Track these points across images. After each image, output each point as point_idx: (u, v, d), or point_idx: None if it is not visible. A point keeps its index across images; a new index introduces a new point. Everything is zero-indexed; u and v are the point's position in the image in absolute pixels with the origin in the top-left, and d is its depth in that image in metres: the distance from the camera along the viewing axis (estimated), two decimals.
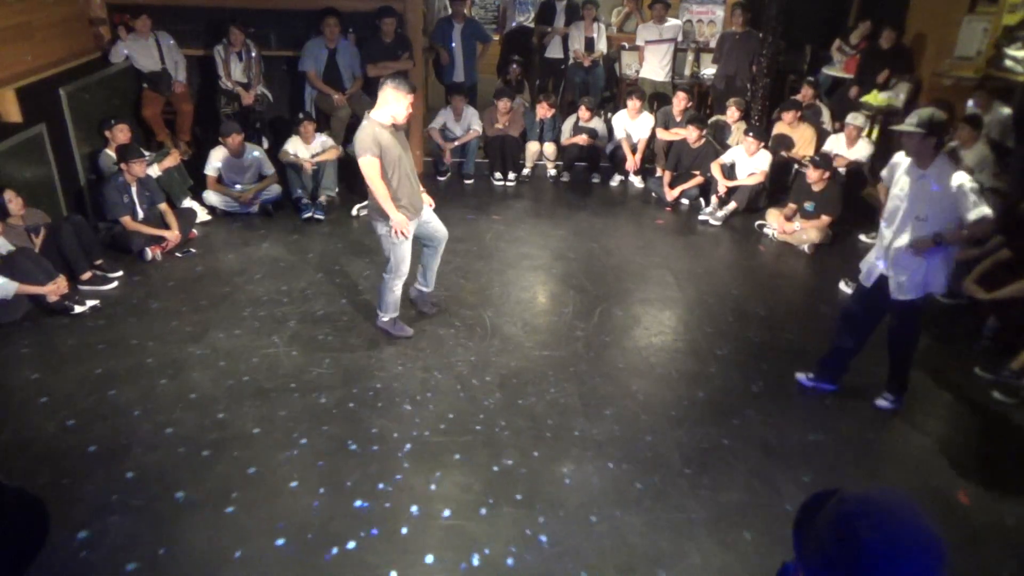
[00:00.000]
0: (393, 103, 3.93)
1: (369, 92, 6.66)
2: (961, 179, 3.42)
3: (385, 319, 4.50)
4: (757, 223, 6.60)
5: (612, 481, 3.41)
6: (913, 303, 3.72)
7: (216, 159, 6.30)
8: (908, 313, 3.79)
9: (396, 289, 4.38)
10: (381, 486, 3.31)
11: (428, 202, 4.46)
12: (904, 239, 3.62)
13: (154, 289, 5.10)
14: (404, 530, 3.07)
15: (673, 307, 5.14)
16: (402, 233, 4.12)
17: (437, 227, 4.50)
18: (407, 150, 4.15)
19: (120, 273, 5.21)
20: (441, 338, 4.58)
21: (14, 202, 4.70)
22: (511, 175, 7.52)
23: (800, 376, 4.21)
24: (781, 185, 7.01)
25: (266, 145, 6.99)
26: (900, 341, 3.92)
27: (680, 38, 8.54)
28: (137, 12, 6.61)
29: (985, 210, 3.38)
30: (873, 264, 3.82)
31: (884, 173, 3.92)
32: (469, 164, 7.53)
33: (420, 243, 4.52)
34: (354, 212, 6.52)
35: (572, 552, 3.00)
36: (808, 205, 6.20)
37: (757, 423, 3.87)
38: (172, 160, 6.23)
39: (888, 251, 3.71)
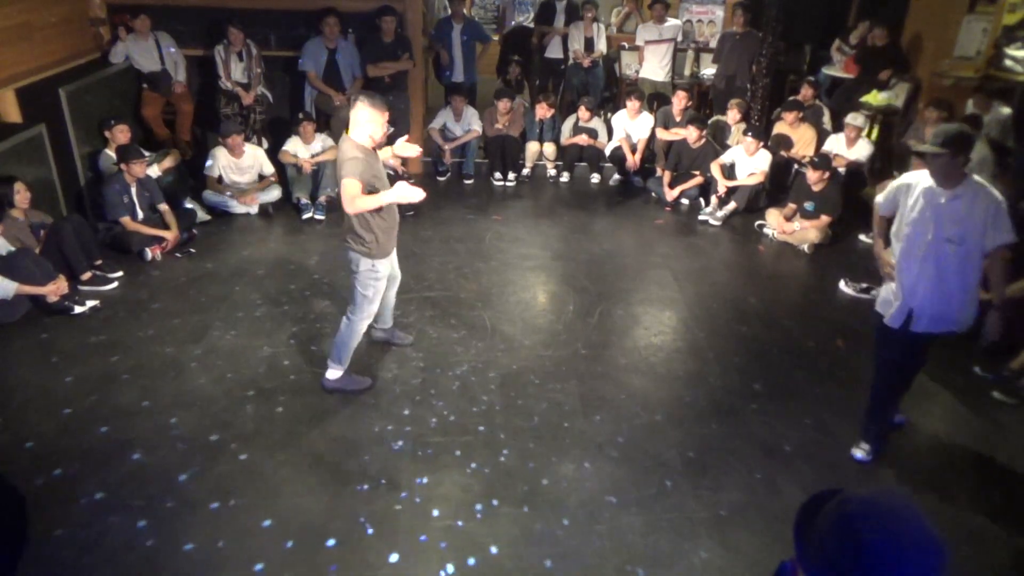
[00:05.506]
0: (368, 122, 3.59)
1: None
2: (999, 197, 3.12)
3: (337, 375, 3.98)
4: (757, 223, 6.60)
5: (612, 481, 3.41)
6: (935, 336, 3.34)
7: (216, 159, 6.30)
8: (927, 346, 3.42)
9: (360, 333, 3.95)
10: (381, 486, 3.32)
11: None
12: (934, 266, 3.22)
13: (154, 289, 5.09)
14: (404, 531, 3.07)
15: (673, 307, 5.14)
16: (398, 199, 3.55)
17: (395, 266, 4.14)
18: (385, 183, 3.73)
19: (120, 273, 5.21)
20: (441, 338, 4.58)
21: (22, 193, 4.76)
22: (511, 175, 7.51)
23: (857, 454, 3.62)
24: (781, 185, 7.01)
25: (266, 145, 6.99)
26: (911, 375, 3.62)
27: (680, 38, 8.55)
28: (137, 12, 6.60)
29: (1012, 234, 3.12)
30: (899, 300, 3.37)
31: (881, 200, 3.54)
32: (469, 164, 7.53)
33: None
34: None
35: (572, 552, 3.00)
36: (808, 205, 6.20)
37: (757, 423, 3.88)
38: (172, 160, 6.23)
39: (915, 282, 3.28)
